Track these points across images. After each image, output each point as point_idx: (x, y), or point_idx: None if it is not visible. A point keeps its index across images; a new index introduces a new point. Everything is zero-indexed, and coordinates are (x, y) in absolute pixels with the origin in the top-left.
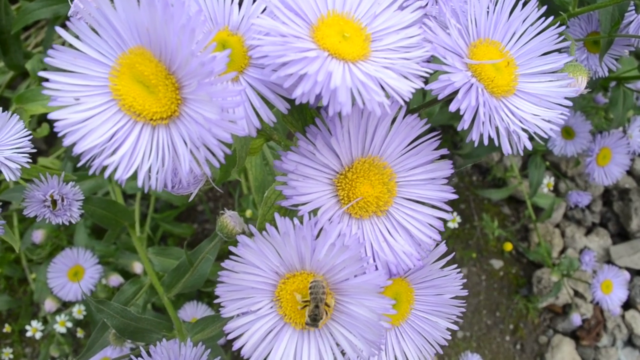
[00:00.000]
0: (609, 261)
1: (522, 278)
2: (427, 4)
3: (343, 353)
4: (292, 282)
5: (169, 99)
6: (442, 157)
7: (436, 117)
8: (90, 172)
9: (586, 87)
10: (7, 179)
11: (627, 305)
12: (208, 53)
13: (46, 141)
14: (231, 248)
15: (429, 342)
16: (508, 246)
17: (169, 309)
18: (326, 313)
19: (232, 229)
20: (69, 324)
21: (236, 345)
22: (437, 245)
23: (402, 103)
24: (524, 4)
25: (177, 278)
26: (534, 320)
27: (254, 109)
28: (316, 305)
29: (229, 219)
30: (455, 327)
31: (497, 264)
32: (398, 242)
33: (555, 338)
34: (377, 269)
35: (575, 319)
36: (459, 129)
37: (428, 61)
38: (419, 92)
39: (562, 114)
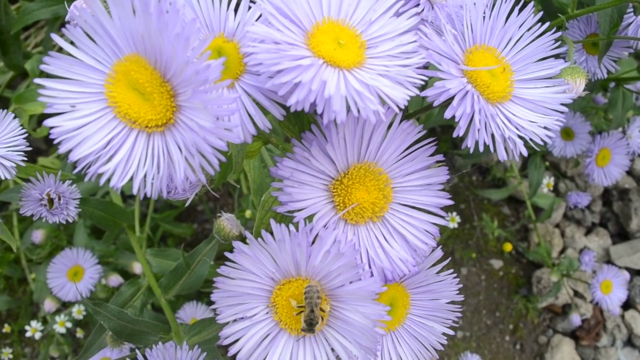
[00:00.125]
0: (609, 261)
1: (521, 278)
2: (422, 10)
3: (338, 359)
4: (288, 288)
5: (164, 106)
6: (439, 162)
7: (436, 117)
8: (86, 179)
9: (584, 89)
10: (2, 177)
11: (627, 305)
12: (203, 61)
13: (46, 141)
14: (227, 254)
15: (425, 347)
16: (508, 246)
17: (166, 310)
18: (322, 318)
19: (229, 231)
20: (69, 324)
21: (232, 351)
22: (433, 250)
23: (397, 110)
24: (520, 10)
25: (175, 280)
26: (533, 320)
27: (250, 116)
28: (311, 310)
29: (226, 221)
30: (451, 332)
31: (496, 264)
32: (394, 248)
33: (555, 338)
34: (372, 275)
35: (575, 319)
36: (454, 135)
37: (425, 67)
38: (419, 95)
39: (558, 120)
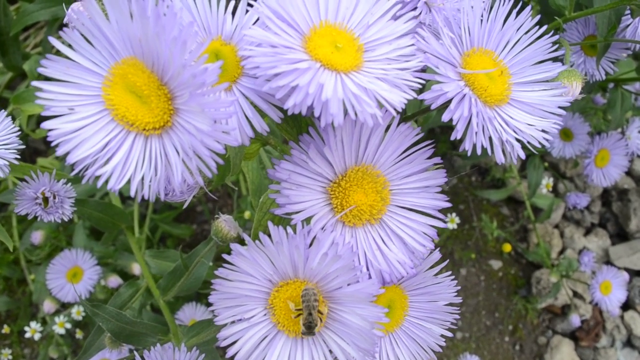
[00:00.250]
0: (608, 262)
1: (521, 279)
2: (420, 14)
3: None
4: (286, 290)
5: (161, 109)
6: (437, 164)
7: (434, 118)
8: (84, 181)
9: (581, 92)
10: (2, 176)
11: (626, 306)
12: (200, 64)
13: (45, 142)
14: (225, 256)
15: (423, 349)
16: (507, 247)
17: (165, 312)
18: (320, 320)
19: (227, 233)
20: (68, 325)
21: (230, 353)
22: (431, 252)
23: (395, 114)
24: (518, 13)
25: (173, 281)
26: (533, 321)
27: (247, 118)
28: (309, 312)
29: (224, 223)
30: (449, 334)
31: (496, 264)
32: (392, 251)
33: (555, 339)
34: (370, 277)
35: (574, 319)
36: (452, 138)
37: (422, 71)
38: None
39: (556, 123)
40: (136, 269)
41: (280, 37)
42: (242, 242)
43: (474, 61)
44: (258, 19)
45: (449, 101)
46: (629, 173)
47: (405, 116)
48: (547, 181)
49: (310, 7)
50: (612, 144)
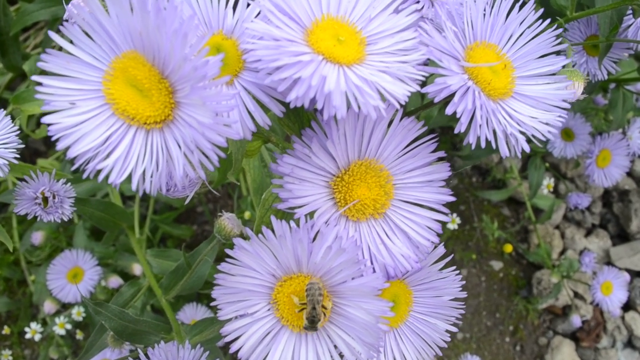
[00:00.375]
0: (609, 262)
1: (521, 279)
2: (422, 7)
3: (341, 355)
4: (289, 285)
5: (162, 102)
6: (440, 159)
7: (435, 118)
8: (84, 175)
9: (583, 92)
10: (2, 176)
11: (627, 306)
12: (201, 57)
13: (45, 142)
14: (227, 251)
15: (428, 344)
16: (508, 247)
17: (167, 311)
18: (324, 315)
19: (230, 231)
20: (68, 326)
21: (233, 348)
22: (436, 247)
23: (398, 106)
24: (521, 7)
25: (176, 280)
26: (533, 321)
27: (249, 112)
28: (313, 307)
29: (227, 221)
30: (454, 329)
31: (496, 265)
32: (396, 245)
33: (555, 339)
34: (374, 271)
35: (575, 320)
36: (456, 131)
37: (425, 64)
38: (417, 94)
39: (560, 116)
40: (136, 269)
41: (282, 30)
42: (244, 240)
43: (477, 55)
44: (259, 13)
45: (452, 95)
46: (630, 174)
47: (405, 112)
48: (548, 182)
49: (311, 1)
50: (613, 144)
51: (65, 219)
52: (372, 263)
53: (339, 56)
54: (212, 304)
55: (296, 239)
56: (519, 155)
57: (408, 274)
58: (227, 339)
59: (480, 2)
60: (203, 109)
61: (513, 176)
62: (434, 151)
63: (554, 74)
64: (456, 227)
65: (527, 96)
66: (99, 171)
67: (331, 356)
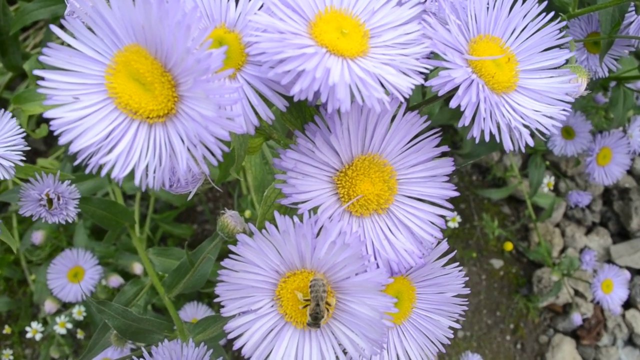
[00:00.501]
0: (609, 260)
1: (522, 277)
2: (426, 0)
3: (345, 352)
4: (293, 281)
5: (165, 96)
6: (443, 154)
7: (436, 116)
8: (87, 170)
9: (586, 89)
10: (1, 178)
11: (628, 304)
12: (204, 50)
13: (45, 142)
14: (231, 247)
15: (431, 341)
16: (508, 246)
17: (170, 309)
18: (327, 311)
19: (233, 228)
20: (69, 325)
21: (237, 345)
22: (439, 243)
23: (402, 99)
24: (524, 0)
25: (178, 278)
26: (534, 319)
27: (252, 106)
28: (317, 303)
29: (230, 218)
30: (457, 326)
31: (497, 263)
32: (399, 240)
33: (556, 337)
34: (378, 267)
35: (576, 318)
36: (459, 125)
37: (428, 57)
38: (418, 90)
39: (563, 109)
40: (137, 268)
41: (286, 23)
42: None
43: (481, 48)
44: (262, 6)
45: (456, 88)
46: (630, 172)
47: (407, 107)
48: (548, 180)
49: None
50: (614, 142)
51: (70, 221)
52: (375, 259)
53: (343, 49)
54: (216, 300)
55: (300, 235)
56: (523, 149)
57: (411, 270)
58: (231, 336)
59: None
60: (206, 102)
61: (513, 174)
62: (437, 146)
63: (557, 68)
64: (456, 225)
65: (530, 90)
66: (101, 166)
67: (335, 352)
